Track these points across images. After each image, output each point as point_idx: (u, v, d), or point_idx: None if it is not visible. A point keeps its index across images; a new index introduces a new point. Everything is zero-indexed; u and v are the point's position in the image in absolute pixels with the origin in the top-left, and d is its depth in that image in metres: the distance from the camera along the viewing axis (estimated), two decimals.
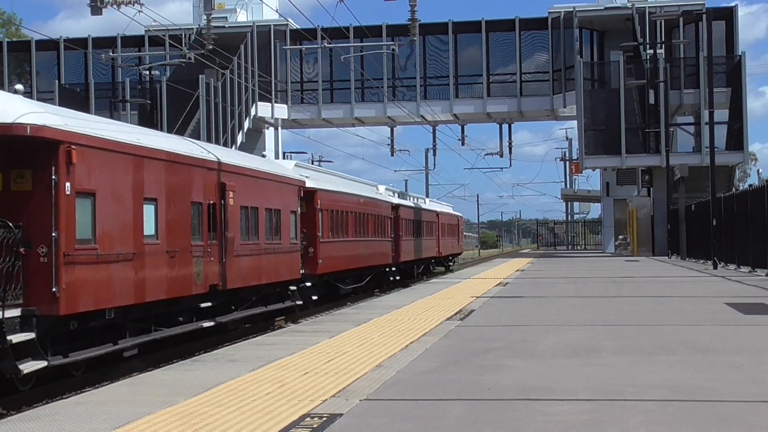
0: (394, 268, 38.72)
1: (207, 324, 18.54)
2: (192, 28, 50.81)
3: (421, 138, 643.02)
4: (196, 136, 40.58)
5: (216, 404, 7.50)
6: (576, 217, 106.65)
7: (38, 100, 22.38)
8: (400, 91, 53.20)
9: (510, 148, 58.92)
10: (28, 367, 12.43)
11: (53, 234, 12.83)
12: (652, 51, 45.79)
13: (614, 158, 46.73)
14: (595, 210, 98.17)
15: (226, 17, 52.27)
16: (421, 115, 53.28)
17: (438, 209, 55.93)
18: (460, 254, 69.80)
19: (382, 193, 40.00)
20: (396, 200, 41.37)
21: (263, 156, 26.39)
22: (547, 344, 11.06)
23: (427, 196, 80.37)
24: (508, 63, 52.71)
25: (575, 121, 50.56)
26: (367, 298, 32.41)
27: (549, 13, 51.63)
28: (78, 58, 53.39)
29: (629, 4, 49.19)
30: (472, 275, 30.70)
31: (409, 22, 32.88)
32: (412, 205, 45.95)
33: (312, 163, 69.87)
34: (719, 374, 8.62)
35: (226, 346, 17.49)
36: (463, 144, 58.37)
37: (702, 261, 35.64)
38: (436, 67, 53.12)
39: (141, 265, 15.62)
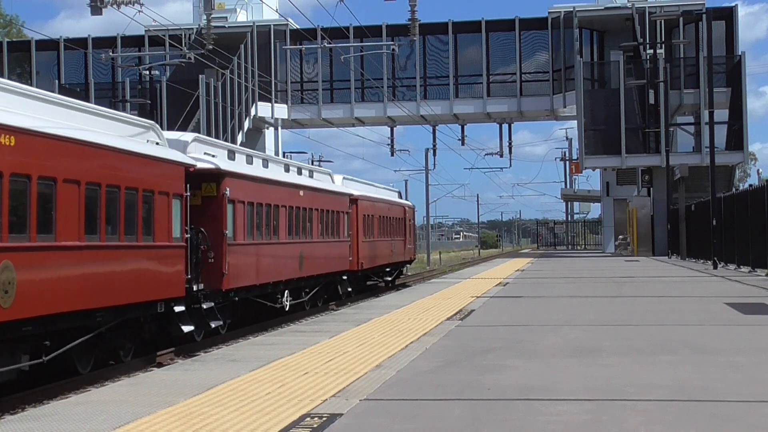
0: (205, 305, 19.84)
1: None
2: (192, 28, 50.85)
3: (421, 138, 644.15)
4: None
5: (216, 404, 7.50)
6: (576, 217, 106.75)
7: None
8: (400, 91, 53.22)
9: (510, 148, 58.99)
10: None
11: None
12: (652, 51, 45.80)
13: (614, 158, 46.75)
14: (595, 210, 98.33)
15: (226, 17, 52.30)
16: (421, 115, 53.28)
17: (356, 192, 34.82)
18: (409, 263, 48.59)
19: (175, 151, 19.30)
20: (214, 163, 20.90)
21: None
22: (547, 344, 11.06)
23: (427, 196, 79.49)
24: (508, 63, 52.74)
25: (575, 121, 50.59)
26: (363, 299, 32.20)
27: (549, 13, 51.65)
28: (78, 58, 53.42)
29: (629, 4, 49.21)
30: (472, 275, 30.70)
31: (409, 22, 32.93)
32: (275, 177, 25.58)
33: (312, 164, 69.63)
34: (719, 374, 8.62)
35: (226, 345, 17.51)
36: (463, 144, 58.43)
37: (702, 261, 35.63)
38: (436, 67, 53.15)
39: None
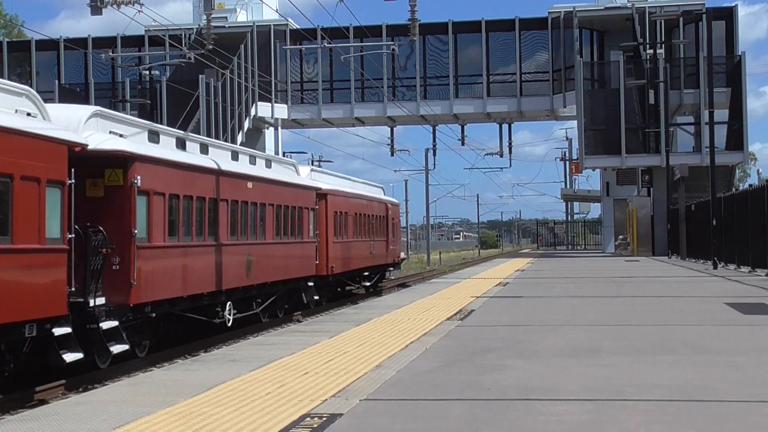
0: (105, 325, 16.02)
1: None
2: (192, 28, 50.85)
3: (421, 138, 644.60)
4: None
5: (216, 404, 7.50)
6: (576, 217, 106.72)
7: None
8: (400, 91, 53.21)
9: (510, 148, 58.95)
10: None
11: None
12: (652, 51, 45.80)
13: (614, 158, 46.75)
14: (595, 210, 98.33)
15: (226, 17, 52.31)
16: (421, 115, 53.28)
17: (325, 186, 30.95)
18: (393, 266, 44.33)
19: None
20: (118, 143, 17.00)
21: None
22: (547, 344, 11.06)
23: (427, 196, 79.24)
24: (508, 63, 52.73)
25: (575, 121, 50.58)
26: (367, 298, 32.05)
27: (549, 13, 51.65)
28: (78, 58, 53.44)
29: (629, 4, 49.22)
30: (472, 275, 30.70)
31: (409, 22, 32.83)
32: (212, 165, 21.21)
33: (311, 164, 69.59)
34: (719, 374, 8.62)
35: (226, 345, 17.50)
36: (463, 144, 58.39)
37: (702, 261, 35.63)
38: (436, 67, 53.14)
39: None
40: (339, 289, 34.69)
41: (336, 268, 31.03)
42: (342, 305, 29.47)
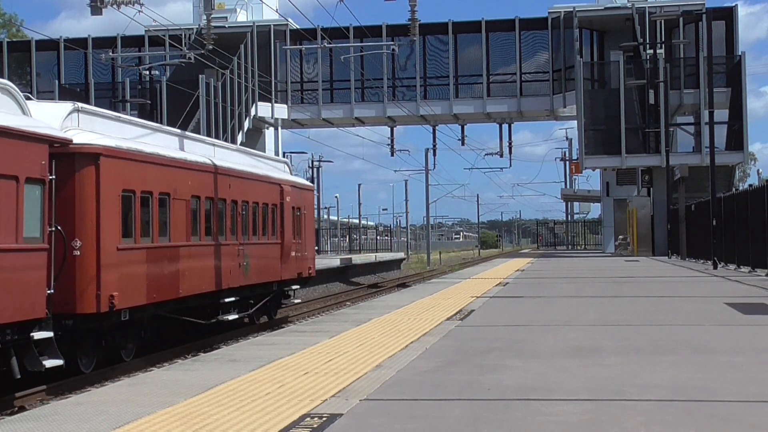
0: None
1: None
2: (192, 28, 50.88)
3: (421, 138, 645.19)
4: None
5: (216, 404, 7.49)
6: (576, 217, 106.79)
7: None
8: (400, 91, 53.24)
9: (510, 148, 59.01)
10: None
11: None
12: (652, 51, 45.82)
13: (614, 158, 46.78)
14: (595, 210, 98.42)
15: (226, 17, 52.34)
16: (421, 115, 53.29)
17: (93, 139, 15.98)
18: (301, 282, 28.49)
19: None
20: None
21: None
22: (547, 344, 11.05)
23: (427, 196, 78.70)
24: (508, 63, 52.76)
25: (575, 121, 50.60)
26: (366, 298, 31.98)
27: (549, 13, 51.68)
28: (78, 58, 53.45)
29: (629, 4, 49.25)
30: (471, 275, 30.69)
31: (409, 22, 32.86)
32: None
33: (312, 164, 69.44)
34: (719, 374, 8.62)
35: (226, 345, 17.51)
36: (463, 144, 58.43)
37: (702, 261, 35.63)
38: (436, 67, 53.17)
39: None
40: (218, 318, 21.48)
41: (129, 297, 16.82)
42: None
